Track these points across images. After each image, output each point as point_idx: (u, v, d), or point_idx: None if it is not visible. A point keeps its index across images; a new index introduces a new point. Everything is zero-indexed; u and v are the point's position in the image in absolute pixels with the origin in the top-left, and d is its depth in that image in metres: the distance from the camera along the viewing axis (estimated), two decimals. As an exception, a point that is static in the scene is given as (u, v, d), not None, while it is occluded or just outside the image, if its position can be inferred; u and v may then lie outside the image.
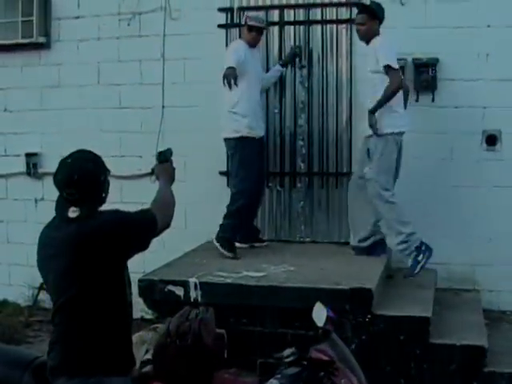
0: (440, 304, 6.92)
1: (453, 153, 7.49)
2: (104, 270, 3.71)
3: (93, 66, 8.55)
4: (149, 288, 6.41)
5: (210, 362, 3.83)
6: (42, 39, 8.62)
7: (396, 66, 6.73)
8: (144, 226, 3.99)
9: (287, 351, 3.74)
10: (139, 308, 6.97)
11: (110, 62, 8.47)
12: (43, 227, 3.96)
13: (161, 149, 4.79)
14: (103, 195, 3.97)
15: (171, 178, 4.70)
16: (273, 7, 7.95)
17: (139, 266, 6.87)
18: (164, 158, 4.73)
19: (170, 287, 6.38)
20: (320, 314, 3.97)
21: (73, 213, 3.80)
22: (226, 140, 7.40)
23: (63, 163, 3.93)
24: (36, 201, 8.79)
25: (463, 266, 7.50)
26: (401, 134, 6.98)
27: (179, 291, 6.37)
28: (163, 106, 8.27)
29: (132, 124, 8.44)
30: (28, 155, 8.82)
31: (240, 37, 7.64)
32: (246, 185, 7.46)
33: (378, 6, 7.08)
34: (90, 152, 4.03)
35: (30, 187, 8.83)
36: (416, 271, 6.96)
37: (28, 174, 8.83)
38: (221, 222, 7.40)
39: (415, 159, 7.45)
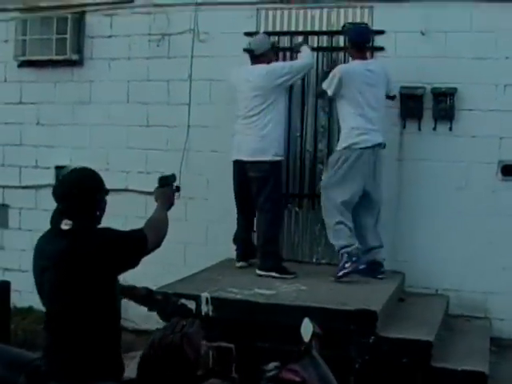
0: (449, 330, 7.06)
1: (468, 182, 7.55)
2: (94, 284, 3.87)
3: (123, 84, 8.75)
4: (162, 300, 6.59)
5: (192, 375, 3.94)
6: (74, 56, 8.85)
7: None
8: (134, 245, 4.12)
9: (271, 365, 3.82)
10: (155, 320, 7.15)
11: (139, 81, 8.67)
12: (39, 237, 4.18)
13: (165, 173, 5.01)
14: (97, 213, 4.15)
15: (169, 202, 4.90)
16: (297, 33, 8.09)
17: (158, 279, 7.13)
18: (165, 182, 4.96)
19: (183, 301, 6.55)
20: (307, 329, 4.06)
21: (65, 225, 4.02)
22: (257, 163, 7.43)
23: (63, 177, 4.20)
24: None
25: (475, 293, 7.55)
26: (351, 149, 7.22)
27: (191, 305, 6.52)
28: (189, 126, 8.42)
29: (158, 142, 8.61)
30: (58, 168, 8.97)
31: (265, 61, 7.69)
32: (281, 208, 7.76)
33: (351, 30, 7.42)
34: (90, 170, 4.25)
35: None
36: (338, 274, 7.12)
37: (57, 186, 9.01)
38: (261, 250, 7.53)
39: (430, 187, 7.61)
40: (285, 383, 3.70)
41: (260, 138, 7.42)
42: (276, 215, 7.65)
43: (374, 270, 7.31)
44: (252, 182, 7.56)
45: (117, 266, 4.00)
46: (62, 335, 3.88)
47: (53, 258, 3.92)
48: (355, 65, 7.33)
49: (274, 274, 7.38)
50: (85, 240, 3.93)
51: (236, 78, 7.68)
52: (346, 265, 7.13)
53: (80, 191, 4.04)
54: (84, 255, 3.86)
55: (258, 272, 7.44)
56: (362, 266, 7.11)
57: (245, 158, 7.49)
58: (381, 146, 7.25)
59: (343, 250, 7.19)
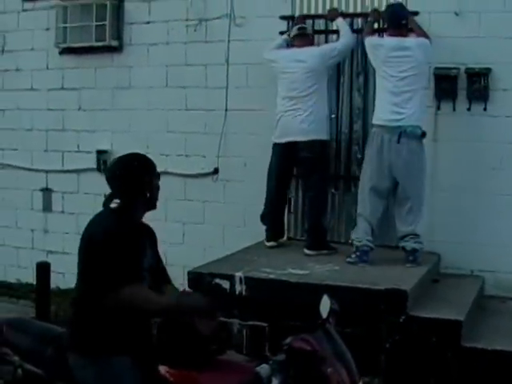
0: (482, 310, 7.08)
1: (503, 162, 7.51)
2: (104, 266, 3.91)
3: (161, 69, 8.88)
4: (197, 280, 6.73)
5: (205, 348, 4.06)
6: (114, 43, 9.00)
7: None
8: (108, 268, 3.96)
9: (289, 339, 3.92)
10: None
11: (178, 66, 8.79)
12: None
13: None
14: (147, 195, 4.21)
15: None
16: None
17: (199, 260, 7.27)
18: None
19: (218, 280, 6.69)
20: (325, 306, 4.14)
21: (114, 204, 4.18)
22: (311, 143, 7.54)
23: (114, 160, 4.38)
24: (105, 195, 9.14)
25: (511, 274, 7.54)
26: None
27: (225, 284, 6.66)
28: (226, 109, 8.52)
29: (196, 125, 8.72)
30: (99, 152, 9.21)
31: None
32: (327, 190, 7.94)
33: (386, 9, 7.62)
34: (140, 154, 4.37)
35: (100, 182, 9.04)
36: (346, 260, 7.24)
37: (98, 169, 9.20)
38: (313, 230, 7.70)
39: (465, 167, 7.60)
40: (296, 352, 3.79)
41: (312, 119, 7.56)
42: (326, 196, 7.89)
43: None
44: (302, 163, 7.72)
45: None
46: (81, 310, 4.00)
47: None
48: (385, 39, 7.37)
49: (325, 251, 7.59)
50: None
51: (284, 58, 7.75)
52: (353, 255, 7.24)
53: (125, 172, 4.17)
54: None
55: (308, 252, 7.58)
56: (361, 264, 7.14)
57: (296, 139, 7.60)
58: (403, 129, 7.07)
59: (354, 241, 7.31)
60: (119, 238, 3.94)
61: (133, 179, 4.16)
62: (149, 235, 4.34)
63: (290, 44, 7.98)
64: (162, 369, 3.89)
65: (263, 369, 3.78)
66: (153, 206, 4.30)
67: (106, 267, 3.87)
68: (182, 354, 3.95)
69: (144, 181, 4.19)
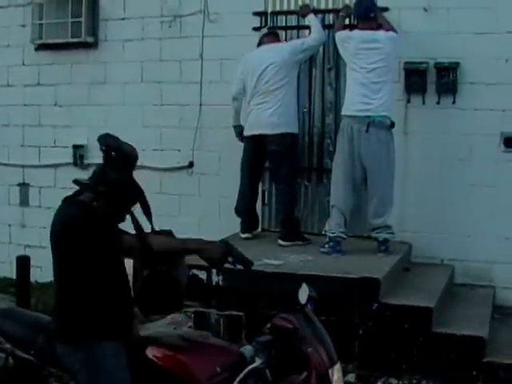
0: (452, 297, 7.30)
1: (471, 153, 7.71)
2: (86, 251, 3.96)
3: (136, 65, 9.00)
4: (173, 272, 6.86)
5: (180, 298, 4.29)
6: (89, 39, 9.08)
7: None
8: None
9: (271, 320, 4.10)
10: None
11: (153, 62, 8.92)
12: None
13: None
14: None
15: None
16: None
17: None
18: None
19: (195, 271, 6.81)
20: (304, 293, 4.31)
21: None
22: (279, 136, 7.67)
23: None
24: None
25: (480, 263, 7.74)
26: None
27: (202, 275, 6.79)
28: (201, 104, 8.67)
29: (172, 120, 8.86)
30: (75, 147, 9.31)
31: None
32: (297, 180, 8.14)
33: (354, 4, 7.79)
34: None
35: (77, 177, 9.18)
36: (320, 250, 7.41)
37: (75, 164, 9.34)
38: (285, 221, 7.87)
39: (435, 159, 7.80)
40: (278, 330, 3.96)
41: (281, 112, 7.70)
42: (295, 188, 8.05)
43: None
44: (272, 156, 7.86)
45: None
46: (65, 297, 4.09)
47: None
48: (355, 32, 7.53)
49: (299, 242, 7.78)
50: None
51: (254, 58, 7.89)
52: (326, 245, 7.42)
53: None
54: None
55: (282, 243, 7.76)
56: (334, 255, 7.31)
57: (265, 132, 7.74)
58: (372, 119, 7.22)
59: (327, 232, 7.50)
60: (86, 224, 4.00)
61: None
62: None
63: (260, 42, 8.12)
64: (149, 352, 4.02)
65: (247, 349, 3.97)
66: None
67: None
68: (160, 301, 4.13)
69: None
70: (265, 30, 8.08)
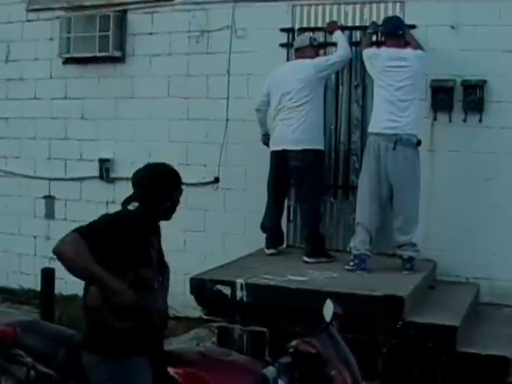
0: (477, 316, 7.23)
1: (498, 172, 7.67)
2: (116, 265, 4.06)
3: (163, 80, 9.03)
4: (199, 286, 6.88)
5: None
6: (117, 53, 9.15)
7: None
8: None
9: (294, 341, 4.08)
10: (193, 307, 7.46)
11: (180, 77, 8.95)
12: None
13: None
14: (167, 205, 4.36)
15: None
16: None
17: (200, 267, 7.40)
18: None
19: (219, 286, 6.83)
20: (329, 310, 4.30)
21: (132, 207, 4.34)
22: (302, 152, 7.68)
23: (144, 166, 4.48)
24: (107, 203, 9.30)
25: (506, 282, 7.66)
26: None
27: (226, 290, 6.80)
28: (227, 119, 8.69)
29: (198, 135, 8.87)
30: (101, 160, 9.36)
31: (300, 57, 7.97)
32: (322, 197, 8.14)
33: (383, 21, 7.85)
34: (169, 168, 4.49)
35: (102, 190, 9.39)
36: (344, 267, 7.37)
37: (101, 178, 9.37)
38: (309, 238, 7.83)
39: (461, 177, 7.77)
40: (302, 355, 3.93)
41: (304, 128, 7.70)
42: (319, 204, 8.02)
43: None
44: (294, 172, 7.85)
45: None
46: (94, 310, 4.13)
47: None
48: (383, 49, 7.54)
49: (323, 259, 7.74)
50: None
51: (280, 74, 7.92)
52: (351, 263, 7.38)
53: (149, 183, 4.32)
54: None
55: (307, 259, 7.72)
56: (359, 272, 7.28)
57: (289, 148, 7.75)
58: (399, 136, 7.21)
59: (352, 249, 7.49)
60: (127, 227, 4.14)
61: (155, 191, 4.31)
62: (156, 231, 4.50)
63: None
64: (171, 369, 4.03)
65: (269, 371, 3.94)
66: (167, 218, 4.44)
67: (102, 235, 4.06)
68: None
69: (165, 193, 4.34)
70: (306, 41, 7.97)
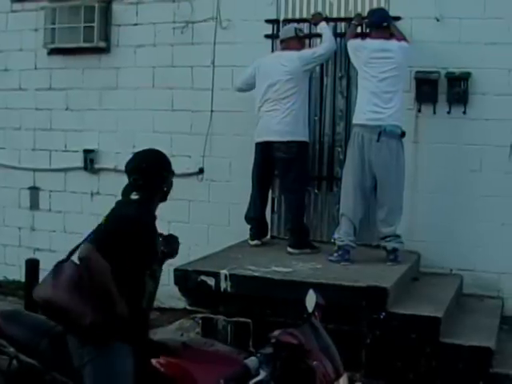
0: (460, 308, 7.29)
1: (482, 164, 7.71)
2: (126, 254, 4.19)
3: (148, 70, 9.01)
4: (183, 277, 6.89)
5: None
6: (102, 44, 9.11)
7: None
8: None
9: (276, 332, 4.09)
10: (177, 298, 7.47)
11: (164, 67, 8.92)
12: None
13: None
14: (165, 189, 4.54)
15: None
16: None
17: (184, 258, 7.39)
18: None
19: (203, 277, 6.84)
20: (311, 300, 4.32)
21: (134, 196, 4.44)
22: (287, 143, 7.70)
23: (136, 154, 4.61)
24: (92, 194, 9.33)
25: (489, 273, 7.73)
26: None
27: (211, 281, 6.81)
28: (212, 110, 8.67)
29: (182, 126, 8.86)
30: (86, 151, 9.33)
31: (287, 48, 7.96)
32: (306, 189, 8.15)
33: (368, 12, 7.89)
34: (161, 152, 4.64)
35: (87, 181, 9.38)
36: (328, 258, 7.41)
37: (85, 168, 9.34)
38: (294, 229, 7.89)
39: (445, 169, 7.81)
40: (283, 346, 3.94)
41: (289, 120, 7.71)
42: (304, 195, 8.03)
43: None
44: (279, 163, 7.87)
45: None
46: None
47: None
48: (367, 41, 7.57)
49: (308, 250, 7.77)
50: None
51: (266, 64, 7.92)
52: (335, 254, 7.41)
53: (149, 168, 4.46)
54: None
55: (291, 250, 7.74)
56: (343, 263, 7.29)
57: (273, 139, 7.77)
58: (383, 128, 7.23)
59: (336, 241, 7.51)
60: (143, 227, 4.28)
61: (156, 174, 4.47)
62: None
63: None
64: (153, 359, 4.04)
65: (251, 361, 3.94)
66: (165, 199, 4.61)
67: (133, 253, 4.17)
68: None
69: (164, 176, 4.51)
70: (291, 32, 7.94)
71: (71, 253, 4.45)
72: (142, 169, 4.44)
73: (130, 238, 4.17)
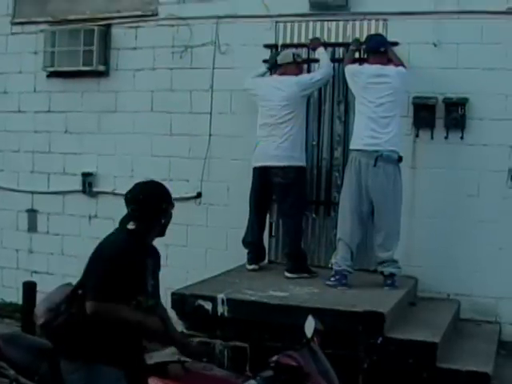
0: (458, 333, 7.28)
1: (479, 189, 7.73)
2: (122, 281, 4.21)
3: (147, 94, 9.05)
4: (180, 301, 6.87)
5: None
6: (101, 67, 9.16)
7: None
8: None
9: (275, 356, 4.09)
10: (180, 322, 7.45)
11: (163, 91, 8.96)
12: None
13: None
14: (162, 221, 4.54)
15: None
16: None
17: (182, 282, 7.41)
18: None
19: (200, 301, 6.83)
20: (310, 326, 4.32)
21: (130, 226, 4.44)
22: (285, 169, 7.72)
23: (136, 184, 4.63)
24: (90, 217, 9.34)
25: (486, 298, 7.72)
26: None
27: (208, 305, 6.80)
28: (210, 134, 8.70)
29: (181, 150, 8.89)
30: (84, 174, 9.35)
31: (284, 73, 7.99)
32: (304, 214, 8.15)
33: (366, 38, 7.92)
34: (161, 184, 4.68)
35: (85, 204, 9.40)
36: (326, 283, 7.39)
37: (83, 192, 9.36)
38: (291, 254, 7.88)
39: (442, 194, 7.82)
40: (283, 368, 3.95)
41: (287, 145, 7.74)
42: (301, 220, 8.04)
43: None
44: (276, 188, 7.88)
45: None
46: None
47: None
48: (365, 66, 7.61)
49: (305, 274, 7.77)
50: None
51: (263, 87, 7.98)
52: (332, 278, 7.40)
53: (145, 198, 4.47)
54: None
55: (288, 275, 7.74)
56: (340, 288, 7.29)
57: (271, 164, 7.78)
58: (380, 153, 7.25)
59: (333, 265, 7.49)
60: (126, 256, 4.26)
61: (153, 206, 4.47)
62: (155, 256, 4.62)
63: (273, 71, 8.20)
64: (152, 382, 4.04)
65: (250, 384, 3.95)
66: (163, 233, 4.63)
67: (108, 281, 4.15)
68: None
69: (161, 209, 4.50)
70: (289, 58, 7.99)
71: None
72: (139, 200, 4.46)
73: (118, 271, 4.19)
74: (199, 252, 8.75)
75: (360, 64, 7.72)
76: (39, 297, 7.93)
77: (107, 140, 9.27)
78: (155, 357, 6.88)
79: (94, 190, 9.33)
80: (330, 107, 8.32)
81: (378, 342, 6.29)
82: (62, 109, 9.54)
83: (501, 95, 7.63)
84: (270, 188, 7.92)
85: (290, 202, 7.81)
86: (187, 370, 4.34)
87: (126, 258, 4.24)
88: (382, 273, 7.43)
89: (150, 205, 4.45)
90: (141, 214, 4.43)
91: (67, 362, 4.15)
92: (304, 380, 3.94)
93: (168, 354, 7.87)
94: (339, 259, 7.39)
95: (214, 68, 8.65)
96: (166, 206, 4.53)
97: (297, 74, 7.91)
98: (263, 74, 8.23)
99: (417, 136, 7.93)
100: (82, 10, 9.31)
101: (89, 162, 9.36)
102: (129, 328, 4.20)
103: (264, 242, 8.26)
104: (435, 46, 7.79)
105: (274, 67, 8.15)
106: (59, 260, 9.42)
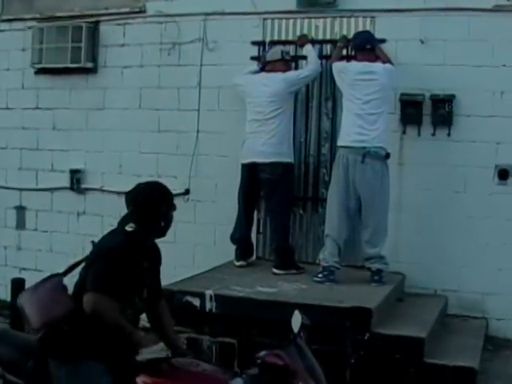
0: (445, 328, 7.31)
1: (466, 185, 7.77)
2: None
3: (135, 91, 9.05)
4: (168, 297, 6.80)
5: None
6: (89, 64, 9.15)
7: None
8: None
9: (262, 353, 4.10)
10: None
11: (151, 88, 8.98)
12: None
13: None
14: (162, 224, 4.53)
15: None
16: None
17: (170, 278, 7.39)
18: None
19: (188, 298, 6.85)
20: (297, 321, 4.33)
21: (129, 227, 4.43)
22: (272, 165, 7.74)
23: (137, 185, 4.60)
24: (78, 214, 9.32)
25: (473, 294, 7.77)
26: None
27: (196, 302, 6.82)
28: (198, 131, 8.71)
29: (168, 146, 8.90)
30: (72, 171, 9.35)
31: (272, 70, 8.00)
32: (291, 210, 8.17)
33: (354, 35, 7.93)
34: (162, 186, 4.64)
35: (73, 201, 9.38)
36: (313, 279, 7.42)
37: (72, 188, 9.35)
38: (279, 250, 7.88)
39: (430, 191, 7.85)
40: (269, 367, 3.96)
41: (274, 141, 7.75)
42: (289, 216, 8.07)
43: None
44: (264, 184, 7.90)
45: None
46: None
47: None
48: (352, 63, 7.64)
49: (293, 271, 7.78)
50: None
51: (251, 83, 8.00)
52: (320, 274, 7.43)
53: (144, 200, 4.45)
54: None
55: (276, 271, 7.76)
56: (327, 283, 7.31)
57: (258, 160, 7.80)
58: (367, 149, 7.28)
59: (321, 261, 7.53)
60: (122, 258, 4.28)
61: (151, 209, 4.45)
62: (154, 254, 4.64)
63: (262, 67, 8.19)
64: (139, 379, 4.05)
65: (237, 382, 3.95)
66: (163, 235, 4.60)
67: (107, 277, 4.20)
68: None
69: (161, 211, 4.49)
70: (278, 55, 8.00)
71: (68, 271, 4.47)
72: (138, 202, 4.45)
73: (116, 270, 4.22)
74: (187, 248, 8.75)
75: (347, 61, 7.74)
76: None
77: (95, 137, 9.26)
78: (144, 353, 6.90)
79: (82, 186, 9.33)
80: (317, 104, 8.34)
81: (366, 337, 6.32)
82: (49, 105, 9.53)
83: (488, 92, 7.66)
84: (258, 184, 7.94)
85: (278, 199, 7.83)
86: (173, 366, 4.34)
87: (123, 260, 4.25)
88: (369, 269, 7.46)
89: (150, 207, 4.42)
90: (139, 217, 4.42)
91: (54, 358, 4.15)
92: (290, 378, 3.94)
93: (156, 350, 7.91)
94: (327, 255, 7.42)
95: (201, 65, 8.66)
96: (165, 208, 4.51)
97: (284, 71, 7.92)
98: (255, 73, 8.21)
99: (404, 133, 7.96)
100: (70, 7, 9.30)
101: (77, 158, 9.35)
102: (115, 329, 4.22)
103: (252, 238, 8.26)
104: (422, 42, 7.82)
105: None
106: (48, 257, 9.40)
